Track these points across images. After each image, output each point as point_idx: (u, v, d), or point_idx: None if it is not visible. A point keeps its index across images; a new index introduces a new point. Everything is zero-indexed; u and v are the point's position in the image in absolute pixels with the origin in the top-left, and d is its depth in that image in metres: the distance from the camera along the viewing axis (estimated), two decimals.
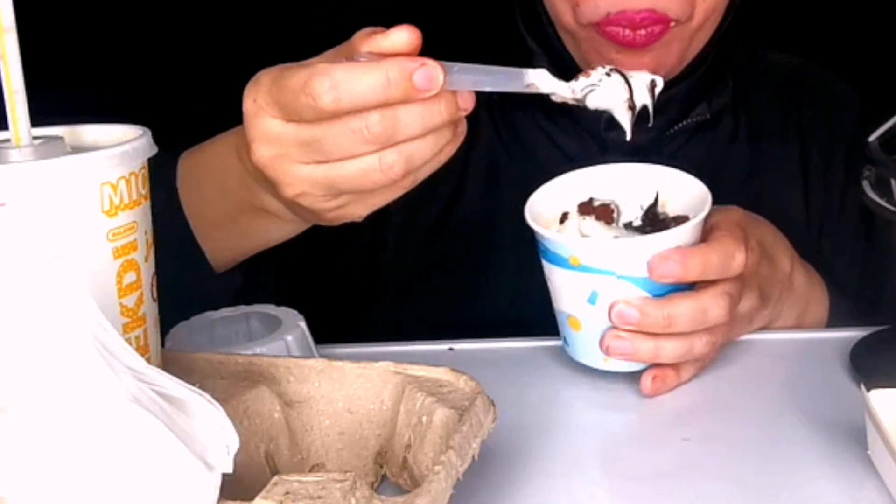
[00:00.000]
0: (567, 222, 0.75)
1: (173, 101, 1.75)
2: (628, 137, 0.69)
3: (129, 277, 0.53)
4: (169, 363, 0.58)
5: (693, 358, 0.71)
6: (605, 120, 0.87)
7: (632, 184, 0.77)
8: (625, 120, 0.69)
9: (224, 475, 0.42)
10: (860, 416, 0.59)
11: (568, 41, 0.91)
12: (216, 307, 0.75)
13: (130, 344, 0.50)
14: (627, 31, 0.83)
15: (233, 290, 0.80)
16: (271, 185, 0.67)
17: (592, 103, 0.67)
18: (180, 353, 0.63)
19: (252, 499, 0.43)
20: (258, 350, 0.66)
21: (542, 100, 0.81)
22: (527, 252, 0.77)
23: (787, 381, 0.73)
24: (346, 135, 0.60)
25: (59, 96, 0.77)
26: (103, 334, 0.42)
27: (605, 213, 0.74)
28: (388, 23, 0.62)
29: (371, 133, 0.60)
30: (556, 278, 0.72)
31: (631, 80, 0.68)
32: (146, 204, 0.55)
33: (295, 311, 0.73)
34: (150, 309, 0.55)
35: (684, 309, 0.69)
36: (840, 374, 0.72)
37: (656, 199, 0.76)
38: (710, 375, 0.73)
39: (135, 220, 0.53)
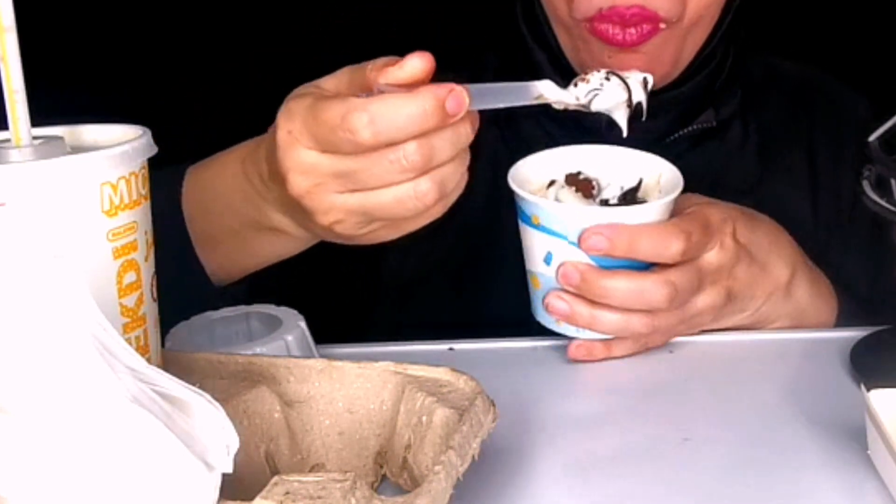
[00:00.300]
0: (550, 188, 0.78)
1: (173, 101, 1.75)
2: (625, 134, 0.72)
3: (129, 277, 0.53)
4: (169, 363, 0.58)
5: (630, 335, 0.74)
6: (606, 121, 0.88)
7: (624, 167, 0.79)
8: (622, 120, 0.72)
9: (224, 475, 0.42)
10: (860, 416, 0.59)
11: (564, 41, 0.91)
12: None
13: (130, 344, 0.50)
14: (618, 30, 0.83)
15: (237, 300, 0.80)
16: (299, 213, 0.68)
17: (597, 107, 0.70)
18: (180, 353, 0.63)
19: (252, 499, 0.43)
20: (258, 350, 0.66)
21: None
22: None
23: (787, 381, 0.73)
24: (383, 166, 0.62)
25: (59, 96, 0.76)
26: (103, 334, 0.42)
27: (585, 187, 0.77)
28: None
29: (409, 162, 0.62)
30: (524, 237, 0.76)
31: (627, 81, 0.71)
32: (146, 204, 0.55)
33: (295, 311, 0.73)
34: (150, 309, 0.55)
35: (621, 285, 0.72)
36: (840, 374, 0.72)
37: (639, 185, 0.78)
38: (710, 375, 0.74)
39: (135, 220, 0.53)
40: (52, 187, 0.50)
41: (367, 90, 0.65)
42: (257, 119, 0.78)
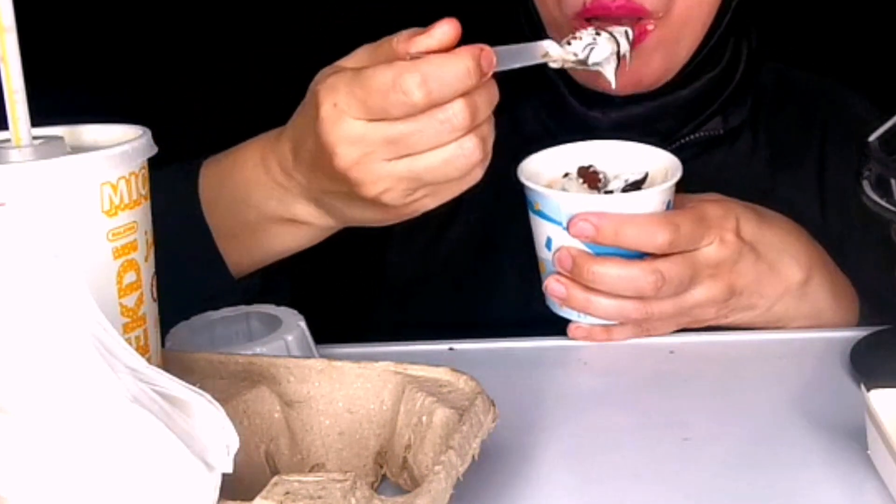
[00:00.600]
0: (563, 180, 0.80)
1: (173, 101, 1.75)
2: (613, 86, 0.76)
3: (129, 277, 0.53)
4: (169, 363, 0.58)
5: (626, 321, 0.77)
6: (612, 122, 0.88)
7: (635, 162, 0.80)
8: (611, 72, 0.76)
9: (224, 475, 0.42)
10: (860, 416, 0.59)
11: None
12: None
13: (130, 344, 0.50)
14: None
15: (249, 296, 0.79)
16: (344, 188, 0.68)
17: (593, 59, 0.74)
18: (180, 353, 0.63)
19: (252, 499, 0.43)
20: (258, 350, 0.66)
21: (549, 100, 0.84)
22: (530, 255, 0.77)
23: (787, 381, 0.73)
24: (434, 126, 0.63)
25: (59, 96, 0.76)
26: (103, 334, 0.42)
27: (592, 178, 0.80)
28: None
29: (458, 121, 0.63)
30: (531, 223, 0.78)
31: (614, 34, 0.76)
32: (146, 204, 0.55)
33: (295, 311, 0.73)
34: (150, 309, 0.55)
35: (611, 271, 0.74)
36: (840, 374, 0.72)
37: (644, 178, 0.79)
38: (710, 375, 0.74)
39: (135, 219, 0.53)
40: (52, 187, 0.50)
41: None
42: (257, 119, 0.78)
